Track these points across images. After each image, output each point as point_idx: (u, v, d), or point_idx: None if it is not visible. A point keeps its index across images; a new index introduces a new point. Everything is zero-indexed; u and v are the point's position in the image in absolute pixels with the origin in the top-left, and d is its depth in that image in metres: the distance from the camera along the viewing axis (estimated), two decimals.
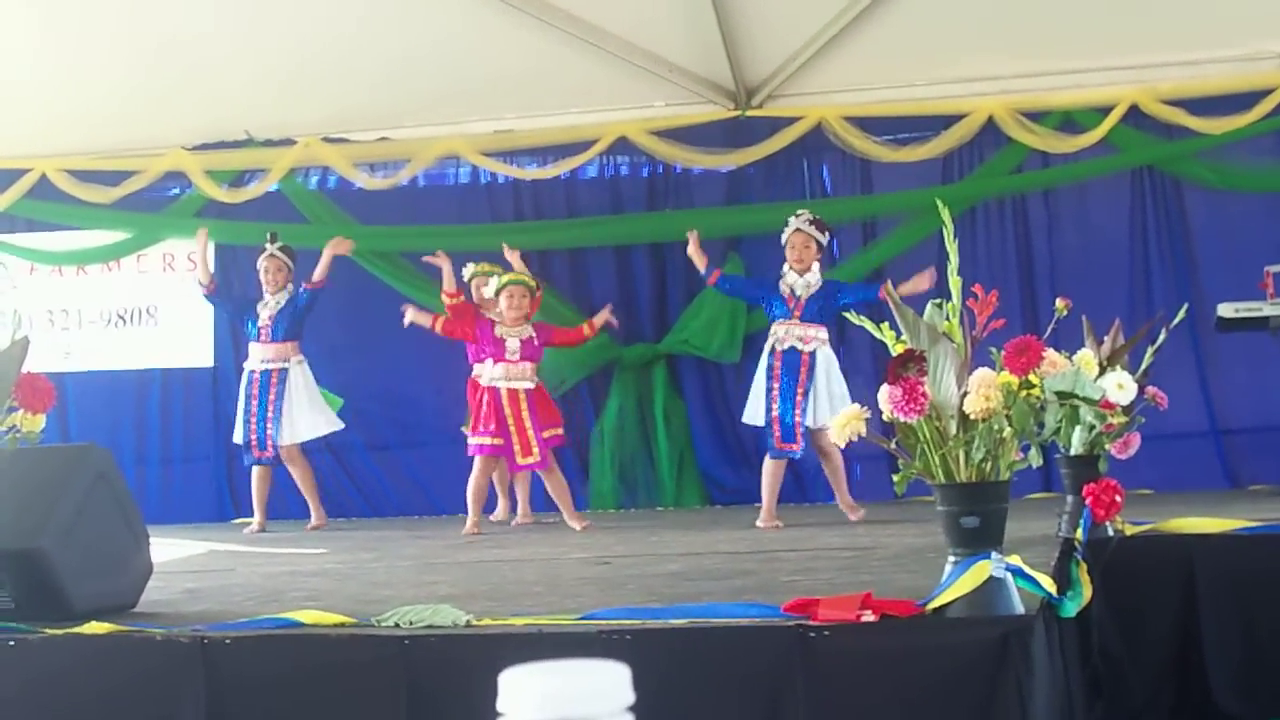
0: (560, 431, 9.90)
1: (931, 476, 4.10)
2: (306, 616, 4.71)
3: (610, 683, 1.25)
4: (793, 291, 9.25)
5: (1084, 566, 5.08)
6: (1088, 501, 5.65)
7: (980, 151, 11.45)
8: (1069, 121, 11.21)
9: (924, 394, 3.95)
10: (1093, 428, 6.19)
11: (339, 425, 10.74)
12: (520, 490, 10.28)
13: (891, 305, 4.22)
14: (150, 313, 12.57)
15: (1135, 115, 11.05)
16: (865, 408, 4.19)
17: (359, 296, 11.63)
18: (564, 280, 11.82)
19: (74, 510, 5.13)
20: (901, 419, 4.00)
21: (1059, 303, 7.19)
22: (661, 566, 6.64)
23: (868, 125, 11.46)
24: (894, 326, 4.19)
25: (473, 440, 9.62)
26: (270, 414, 10.48)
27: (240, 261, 12.31)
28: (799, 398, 9.08)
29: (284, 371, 10.56)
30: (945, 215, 4.32)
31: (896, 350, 4.09)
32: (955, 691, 3.98)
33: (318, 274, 10.47)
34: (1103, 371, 6.08)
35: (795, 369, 9.11)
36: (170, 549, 8.23)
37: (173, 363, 12.45)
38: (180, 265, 12.53)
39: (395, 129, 12.11)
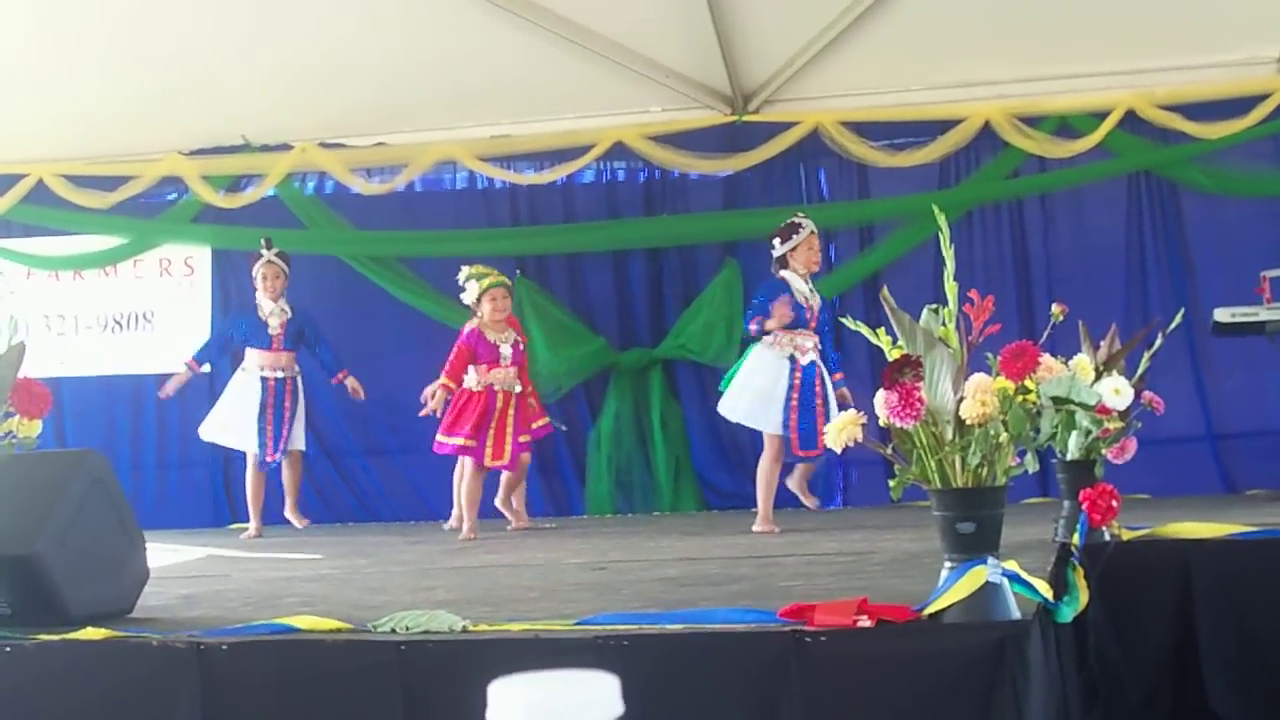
0: (545, 421, 10.01)
1: (928, 482, 4.10)
2: (302, 622, 4.70)
3: (599, 693, 1.25)
4: (807, 300, 9.20)
5: (1080, 571, 5.09)
6: (1084, 506, 5.67)
7: (977, 156, 11.46)
8: (1065, 126, 11.22)
9: (920, 399, 3.95)
10: (1089, 433, 6.19)
11: None
12: (517, 497, 10.28)
13: (888, 310, 4.22)
14: (147, 318, 12.57)
15: (1132, 120, 11.05)
16: (862, 413, 4.20)
17: (354, 301, 11.64)
18: (561, 286, 11.83)
19: (70, 515, 5.13)
20: (898, 424, 4.00)
21: (1055, 308, 7.18)
22: (658, 571, 6.63)
23: (864, 130, 11.46)
24: (890, 332, 4.20)
25: (445, 440, 9.62)
26: (286, 419, 10.51)
27: (237, 267, 12.32)
28: (819, 406, 9.07)
29: (295, 380, 10.60)
30: (941, 220, 4.32)
31: (893, 356, 4.09)
32: (952, 697, 3.98)
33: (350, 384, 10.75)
34: (1099, 376, 6.07)
35: (813, 382, 9.10)
36: (166, 554, 8.23)
37: (169, 368, 12.36)
38: (177, 270, 12.53)
39: (392, 134, 12.11)
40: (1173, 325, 7.09)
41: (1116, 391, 5.84)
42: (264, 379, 10.56)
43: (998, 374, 4.17)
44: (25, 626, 4.78)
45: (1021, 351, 4.22)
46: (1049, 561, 5.34)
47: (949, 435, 4.01)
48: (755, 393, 9.20)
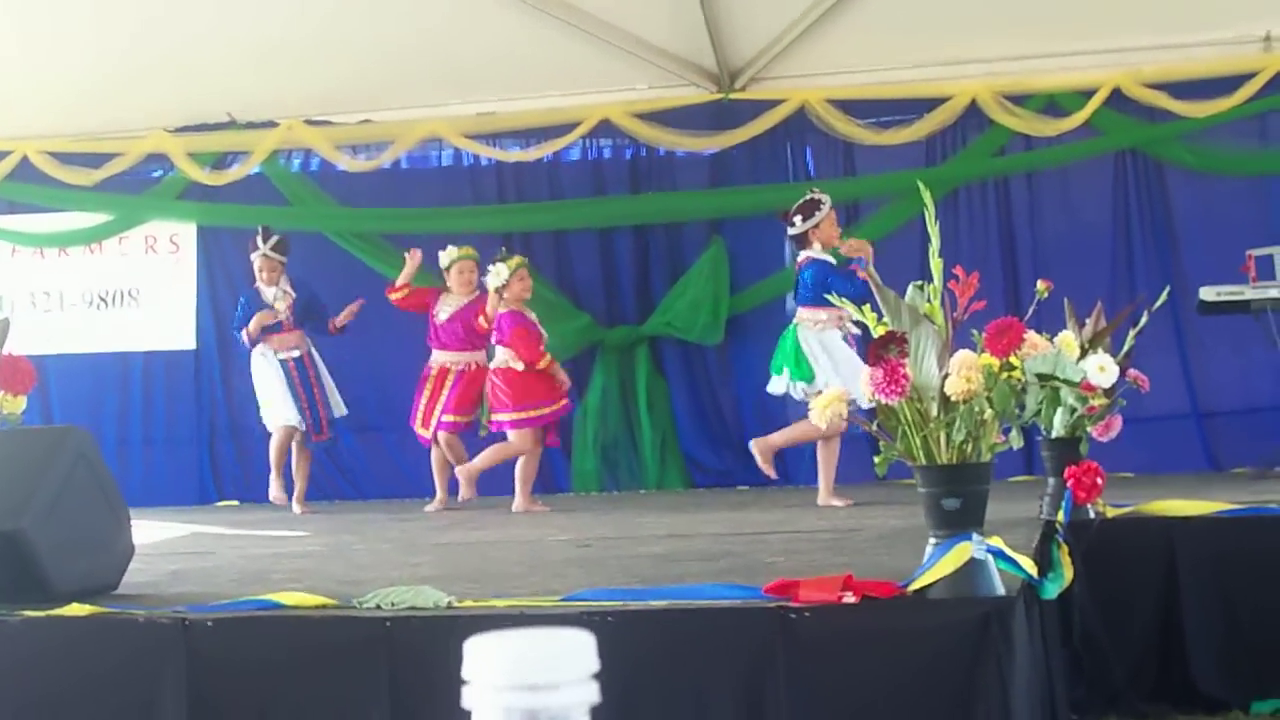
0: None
1: (913, 458, 4.10)
2: (288, 598, 4.71)
3: (575, 650, 1.25)
4: (872, 280, 9.13)
5: (1065, 548, 5.10)
6: (1069, 484, 5.68)
7: (963, 134, 11.45)
8: (1052, 104, 11.21)
9: (905, 376, 3.96)
10: (1074, 410, 6.20)
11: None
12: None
13: (873, 287, 4.23)
14: (132, 295, 12.53)
15: (1118, 98, 11.04)
16: (847, 389, 4.20)
17: (341, 279, 11.60)
18: (547, 263, 11.80)
19: (55, 492, 5.13)
20: (883, 401, 4.01)
21: (1040, 285, 7.20)
22: (644, 548, 6.64)
23: (851, 108, 11.45)
24: (875, 308, 4.20)
25: (533, 413, 9.73)
26: (318, 396, 10.50)
27: (223, 244, 12.30)
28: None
29: (310, 354, 10.58)
30: (927, 197, 4.32)
31: (878, 332, 4.09)
32: (936, 672, 3.99)
33: (341, 320, 10.65)
34: (1084, 354, 6.09)
35: None
36: (152, 531, 8.22)
37: (155, 345, 12.41)
38: (162, 248, 12.50)
39: (378, 111, 12.08)
40: (1158, 303, 7.10)
41: (1101, 369, 5.86)
42: (282, 361, 10.51)
43: (983, 350, 4.18)
44: (10, 603, 4.78)
45: (1007, 328, 4.23)
46: (1034, 538, 5.35)
47: (934, 412, 4.02)
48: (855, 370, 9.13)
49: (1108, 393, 6.17)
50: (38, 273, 12.65)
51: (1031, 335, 4.47)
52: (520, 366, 9.65)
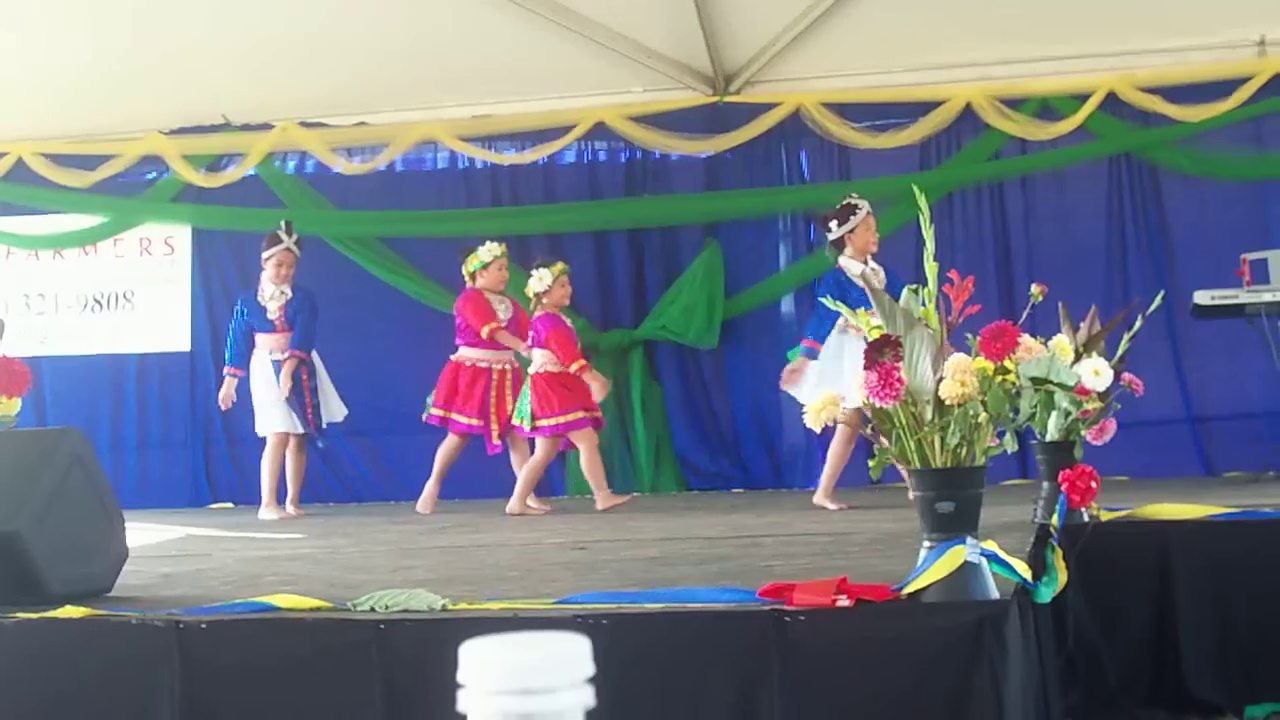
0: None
1: (907, 462, 4.10)
2: (282, 601, 4.70)
3: (570, 654, 1.25)
4: (867, 281, 9.11)
5: (1059, 552, 5.09)
6: (1063, 487, 5.67)
7: (958, 138, 11.47)
8: (1046, 108, 11.23)
9: (900, 379, 3.96)
10: (1068, 414, 6.20)
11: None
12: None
13: (868, 291, 4.23)
14: (127, 297, 12.53)
15: (1113, 102, 11.06)
16: (841, 393, 4.20)
17: (336, 282, 11.61)
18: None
19: (49, 494, 5.12)
20: (877, 404, 4.01)
21: (1034, 288, 7.20)
22: (638, 551, 6.64)
23: (846, 111, 11.47)
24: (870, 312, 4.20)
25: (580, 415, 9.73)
26: (308, 399, 10.37)
27: (218, 246, 12.31)
28: None
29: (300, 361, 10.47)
30: (922, 201, 4.32)
31: (872, 336, 4.09)
32: (930, 676, 3.99)
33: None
34: (1078, 358, 6.09)
35: None
36: (146, 534, 8.23)
37: (149, 347, 12.41)
38: (157, 250, 12.50)
39: (373, 114, 12.09)
40: (1152, 307, 7.10)
41: (1096, 373, 5.86)
42: (275, 362, 10.37)
43: (977, 354, 4.18)
44: (3, 605, 4.78)
45: (1001, 332, 4.23)
46: (1028, 542, 5.35)
47: (928, 415, 4.02)
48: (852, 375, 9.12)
49: (1102, 396, 6.17)
50: (32, 275, 12.65)
51: (1026, 339, 4.47)
52: (557, 369, 9.70)
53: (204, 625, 4.45)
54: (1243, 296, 9.53)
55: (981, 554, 4.06)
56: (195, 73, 11.46)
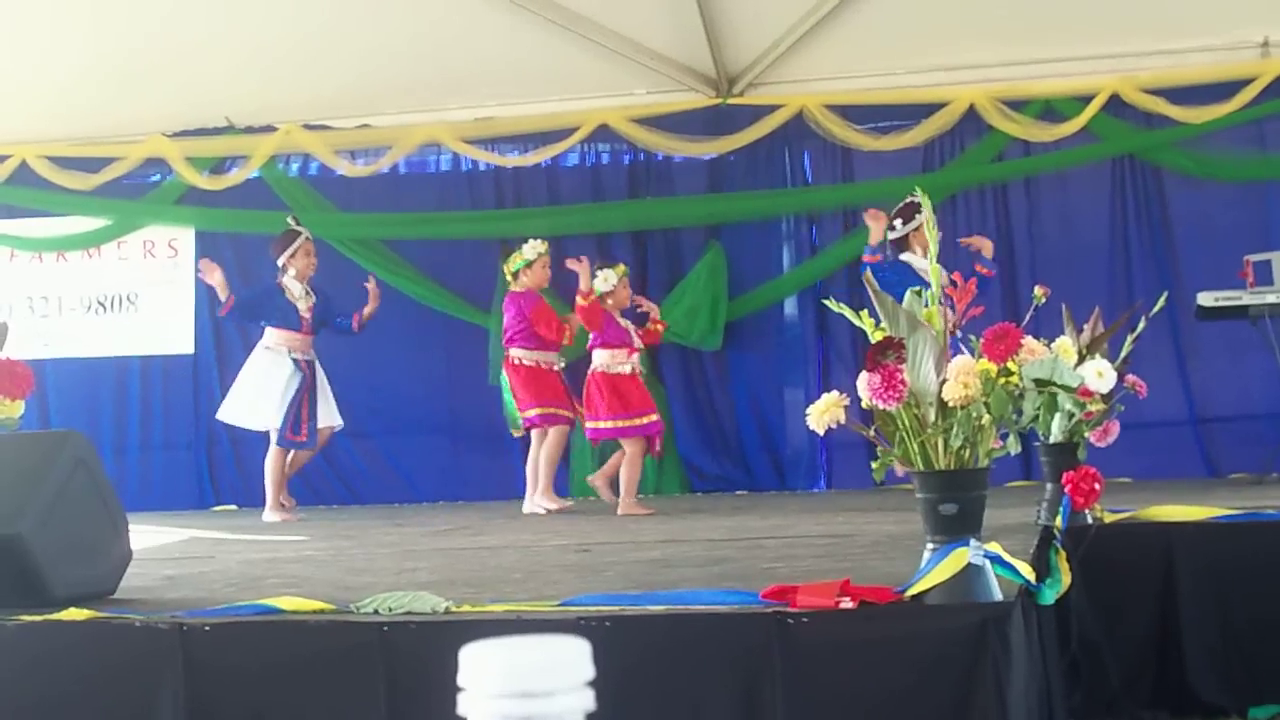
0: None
1: (910, 464, 4.10)
2: (285, 603, 4.70)
3: (570, 657, 1.25)
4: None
5: (1063, 554, 5.10)
6: (1067, 489, 5.67)
7: (961, 140, 11.47)
8: (1050, 110, 11.23)
9: (903, 381, 3.95)
10: (1072, 415, 6.20)
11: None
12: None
13: (871, 292, 4.23)
14: (131, 299, 12.55)
15: (1116, 104, 11.07)
16: (844, 394, 4.20)
17: (338, 284, 11.59)
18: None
19: (53, 496, 5.12)
20: (880, 406, 4.00)
21: (1038, 290, 7.19)
22: (641, 553, 6.64)
23: (849, 113, 11.47)
24: (873, 314, 4.20)
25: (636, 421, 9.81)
26: (305, 404, 10.31)
27: (221, 249, 12.31)
28: None
29: (315, 363, 10.43)
30: (926, 203, 4.32)
31: (875, 338, 4.09)
32: (933, 678, 3.99)
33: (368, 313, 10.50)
34: (1082, 359, 6.09)
35: None
36: (149, 536, 8.23)
37: (153, 350, 12.43)
38: (161, 252, 12.52)
39: (376, 116, 12.10)
40: (1156, 309, 7.09)
41: (1099, 374, 5.84)
42: (295, 360, 10.29)
43: (980, 356, 4.18)
44: (7, 607, 4.77)
45: (1004, 334, 4.23)
46: (1031, 544, 5.34)
47: (931, 417, 4.01)
48: None
49: (1105, 398, 6.17)
50: (36, 277, 12.67)
51: (1029, 341, 4.47)
52: (621, 370, 9.85)
53: (207, 627, 4.45)
54: (1246, 298, 9.53)
55: (985, 556, 4.05)
56: (198, 75, 11.47)
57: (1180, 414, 10.80)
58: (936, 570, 4.02)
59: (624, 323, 9.99)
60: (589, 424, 9.84)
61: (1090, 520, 6.11)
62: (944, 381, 3.95)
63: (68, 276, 12.64)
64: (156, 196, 12.55)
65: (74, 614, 4.65)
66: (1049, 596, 4.62)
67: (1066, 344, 5.90)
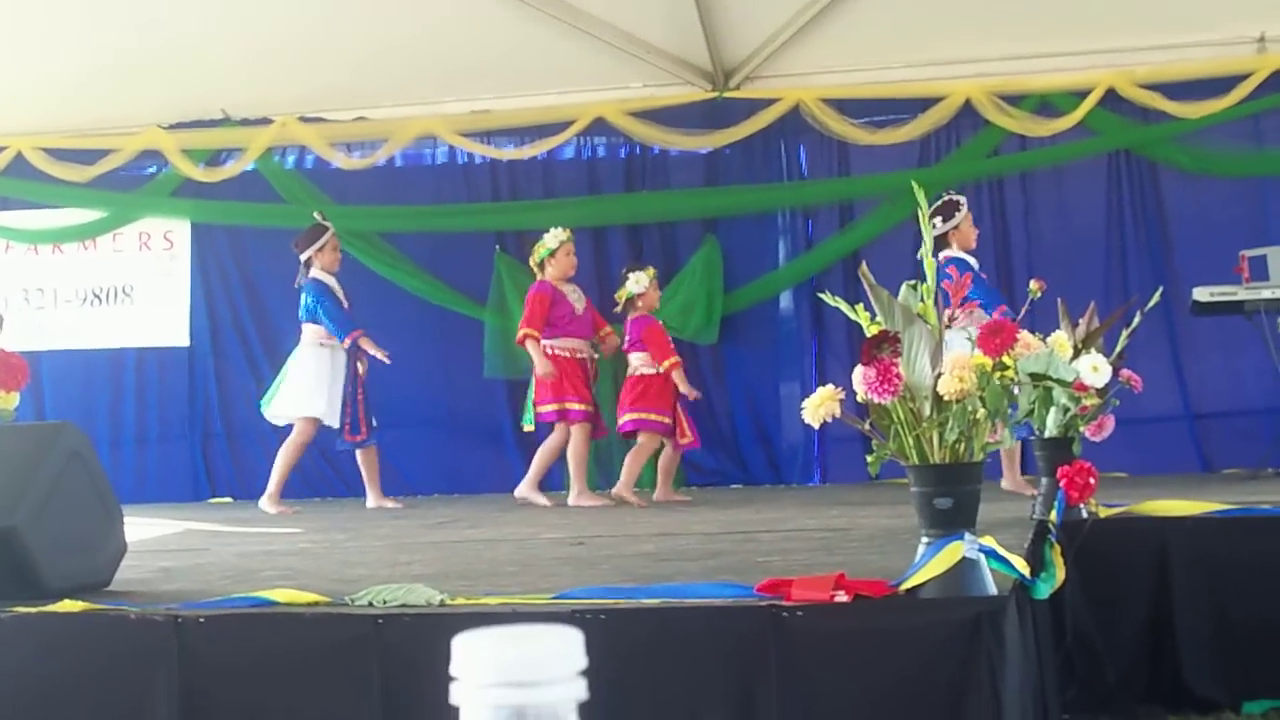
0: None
1: (905, 458, 4.10)
2: (280, 595, 4.70)
3: (563, 647, 1.25)
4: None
5: (1057, 548, 5.10)
6: (1062, 484, 5.67)
7: (957, 134, 11.47)
8: (1046, 105, 11.23)
9: (898, 375, 3.95)
10: (1067, 410, 6.20)
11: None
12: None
13: (866, 286, 4.23)
14: (126, 292, 12.54)
15: (1112, 99, 11.07)
16: (840, 388, 4.19)
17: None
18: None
19: (47, 488, 5.12)
20: (875, 400, 4.00)
21: (1033, 284, 7.20)
22: (636, 547, 6.64)
23: (845, 107, 11.48)
24: (869, 308, 4.20)
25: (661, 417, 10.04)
26: (361, 397, 10.27)
27: (217, 241, 12.32)
28: None
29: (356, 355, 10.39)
30: (921, 197, 4.32)
31: (871, 331, 4.09)
32: (928, 672, 3.99)
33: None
34: (1077, 354, 6.09)
35: None
36: (145, 528, 8.22)
37: (148, 342, 12.42)
38: (156, 244, 12.51)
39: (372, 109, 12.10)
40: (1151, 303, 7.10)
41: (1094, 369, 5.86)
42: (348, 352, 10.25)
43: (975, 350, 4.18)
44: (1, 600, 4.77)
45: (1000, 328, 4.23)
46: (1026, 538, 5.35)
47: (927, 411, 4.01)
48: None
49: (1100, 393, 6.17)
50: (31, 269, 12.67)
51: (1024, 335, 4.47)
52: (653, 371, 10.01)
53: (202, 619, 4.45)
54: (1241, 293, 9.54)
55: (980, 550, 4.05)
56: (195, 67, 11.46)
57: (1175, 409, 10.80)
58: (931, 564, 4.02)
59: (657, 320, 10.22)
60: (653, 416, 10.06)
61: (1085, 515, 6.11)
62: (939, 375, 3.95)
63: (63, 268, 12.63)
64: (152, 189, 12.54)
65: (69, 606, 4.64)
66: (1043, 591, 4.62)
67: (1062, 338, 5.92)
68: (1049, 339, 5.64)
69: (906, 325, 4.02)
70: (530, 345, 9.88)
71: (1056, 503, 5.84)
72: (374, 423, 10.35)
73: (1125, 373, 6.72)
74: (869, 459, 4.21)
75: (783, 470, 11.48)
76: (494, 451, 11.67)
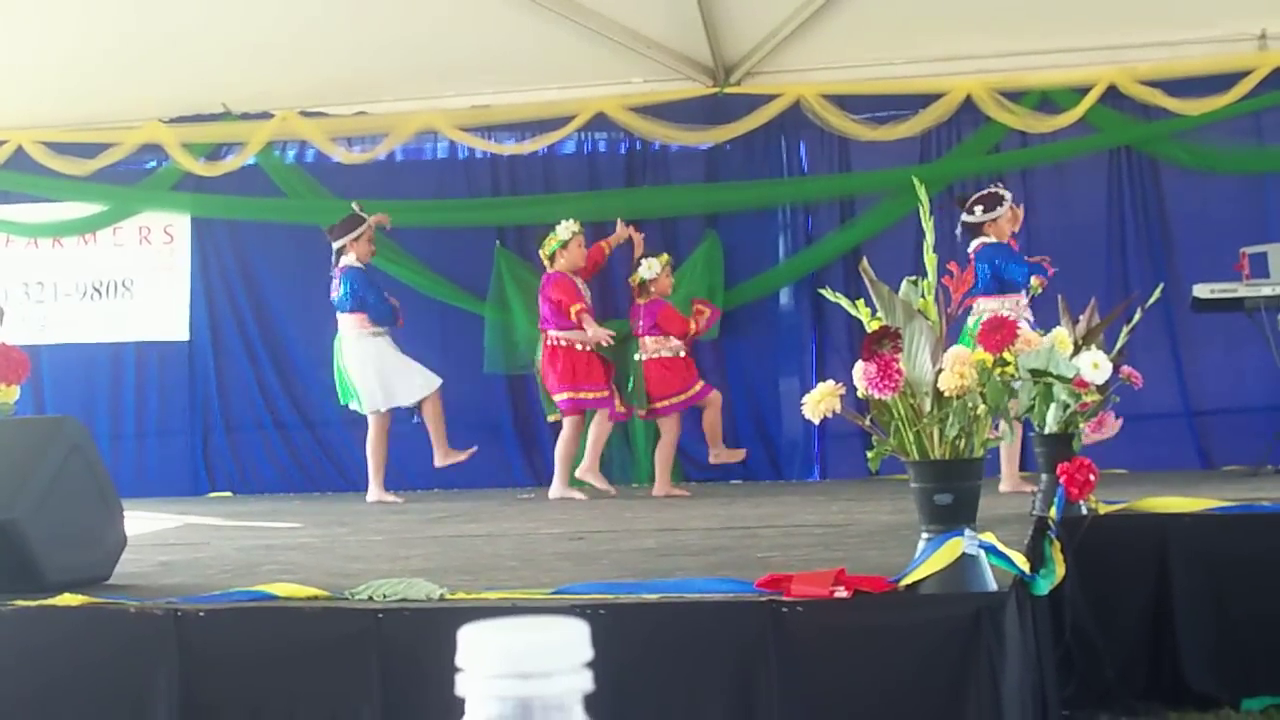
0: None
1: (905, 453, 4.10)
2: (280, 590, 4.71)
3: (569, 638, 1.25)
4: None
5: (1057, 545, 5.11)
6: (1062, 480, 5.67)
7: (958, 130, 11.45)
8: (1047, 101, 11.22)
9: (898, 371, 3.96)
10: (1067, 406, 6.20)
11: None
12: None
13: (867, 281, 4.23)
14: (126, 285, 12.53)
15: (1113, 96, 11.05)
16: (840, 384, 4.20)
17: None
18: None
19: (48, 482, 5.12)
20: (876, 396, 4.01)
21: (1034, 281, 7.19)
22: (636, 542, 6.65)
23: (846, 103, 11.46)
24: (870, 304, 4.20)
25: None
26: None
27: (217, 235, 12.31)
28: None
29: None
30: (922, 192, 4.32)
31: (872, 327, 4.09)
32: (927, 667, 4.00)
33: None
34: (1078, 350, 6.09)
35: None
36: (145, 522, 8.22)
37: (148, 336, 12.40)
38: (156, 238, 12.50)
39: (373, 103, 12.08)
40: (1151, 300, 7.10)
41: (1095, 365, 5.86)
42: (392, 337, 10.36)
43: (976, 346, 4.18)
44: (1, 593, 4.78)
45: (1000, 324, 4.23)
46: (1026, 534, 5.35)
47: (927, 407, 4.02)
48: None
49: (1101, 389, 6.18)
50: (31, 263, 12.65)
51: (1025, 331, 4.47)
52: (670, 354, 10.18)
53: (202, 614, 4.46)
54: (1242, 290, 9.53)
55: (979, 546, 4.06)
56: (195, 61, 11.45)
57: (1175, 406, 10.80)
58: (931, 560, 4.03)
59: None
60: (661, 402, 10.25)
61: (1085, 511, 6.11)
62: (940, 371, 3.96)
63: (63, 262, 12.62)
64: (152, 182, 12.52)
65: (68, 600, 4.65)
66: (1043, 587, 4.63)
67: (1063, 335, 5.92)
68: (1049, 335, 5.64)
69: (907, 321, 4.02)
70: (585, 319, 9.93)
71: (1056, 499, 5.84)
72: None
73: (1125, 369, 6.73)
74: (869, 455, 4.22)
75: (783, 466, 11.48)
76: (494, 446, 11.65)
